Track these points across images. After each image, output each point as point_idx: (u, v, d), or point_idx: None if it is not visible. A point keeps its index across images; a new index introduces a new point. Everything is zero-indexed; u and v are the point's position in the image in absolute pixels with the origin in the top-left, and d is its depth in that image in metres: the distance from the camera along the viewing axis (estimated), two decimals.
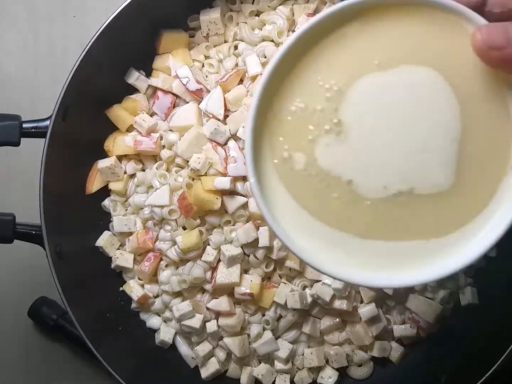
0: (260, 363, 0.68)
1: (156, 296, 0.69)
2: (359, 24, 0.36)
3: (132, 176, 0.69)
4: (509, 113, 0.35)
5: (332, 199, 0.36)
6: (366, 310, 0.65)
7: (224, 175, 0.63)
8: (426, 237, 0.36)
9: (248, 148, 0.36)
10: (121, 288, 0.69)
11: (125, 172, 0.69)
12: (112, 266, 0.69)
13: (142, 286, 0.69)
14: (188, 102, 0.67)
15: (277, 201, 0.37)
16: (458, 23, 0.35)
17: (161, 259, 0.68)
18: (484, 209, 0.35)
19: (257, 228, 0.63)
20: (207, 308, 0.66)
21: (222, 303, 0.65)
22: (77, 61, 0.62)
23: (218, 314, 0.66)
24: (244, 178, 0.64)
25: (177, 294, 0.68)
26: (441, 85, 0.35)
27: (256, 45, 0.67)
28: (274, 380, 0.68)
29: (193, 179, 0.65)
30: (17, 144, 0.60)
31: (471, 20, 0.34)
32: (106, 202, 0.70)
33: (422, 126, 0.35)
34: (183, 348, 0.69)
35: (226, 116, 0.65)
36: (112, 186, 0.69)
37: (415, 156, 0.35)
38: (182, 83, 0.66)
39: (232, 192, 0.64)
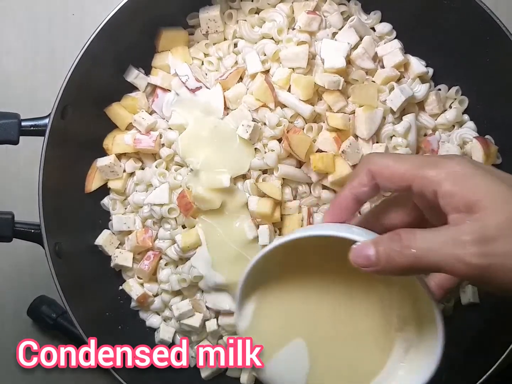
0: None
1: (156, 295, 0.69)
2: None
3: (132, 174, 0.69)
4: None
5: None
6: None
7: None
8: None
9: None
10: (120, 287, 0.69)
11: (124, 171, 0.69)
12: (112, 265, 0.69)
13: (142, 285, 0.68)
14: None
15: None
16: None
17: (161, 258, 0.68)
18: None
19: (257, 227, 0.63)
20: (207, 307, 0.66)
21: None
22: (76, 59, 0.61)
23: (218, 313, 0.66)
24: (243, 177, 0.64)
25: (177, 293, 0.67)
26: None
27: (255, 43, 0.67)
28: None
29: None
30: (16, 142, 0.60)
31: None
32: (105, 201, 0.70)
33: None
34: None
35: (225, 114, 0.65)
36: (111, 184, 0.69)
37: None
38: (182, 81, 0.65)
39: (232, 191, 0.64)
